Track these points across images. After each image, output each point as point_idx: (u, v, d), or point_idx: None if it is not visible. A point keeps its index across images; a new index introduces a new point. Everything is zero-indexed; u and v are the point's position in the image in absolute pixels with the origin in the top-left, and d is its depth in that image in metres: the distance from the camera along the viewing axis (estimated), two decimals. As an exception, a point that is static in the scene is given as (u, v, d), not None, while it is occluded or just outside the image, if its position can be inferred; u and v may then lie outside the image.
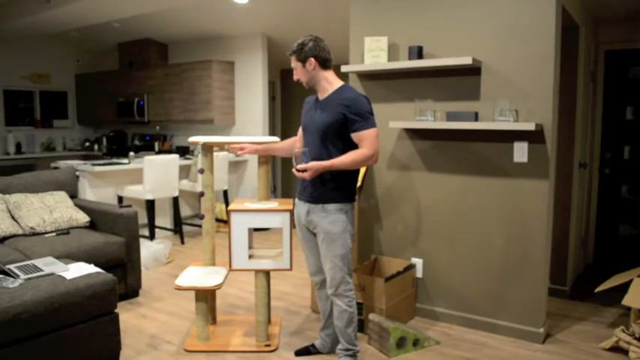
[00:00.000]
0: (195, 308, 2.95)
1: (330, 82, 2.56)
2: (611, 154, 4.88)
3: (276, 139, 3.13)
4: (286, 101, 7.64)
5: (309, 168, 2.40)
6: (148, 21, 6.20)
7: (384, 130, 3.46)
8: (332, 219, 2.52)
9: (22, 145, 7.53)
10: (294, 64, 2.57)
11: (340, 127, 2.47)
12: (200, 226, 5.94)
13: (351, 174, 2.57)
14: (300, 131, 2.76)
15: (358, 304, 3.12)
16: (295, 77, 2.60)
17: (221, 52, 6.75)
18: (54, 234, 3.63)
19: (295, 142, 2.84)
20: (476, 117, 3.08)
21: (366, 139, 2.44)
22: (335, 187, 2.53)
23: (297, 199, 2.71)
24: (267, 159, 3.14)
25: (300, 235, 2.73)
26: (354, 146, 2.49)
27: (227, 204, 6.05)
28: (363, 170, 3.51)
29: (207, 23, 6.20)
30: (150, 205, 5.12)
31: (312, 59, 2.51)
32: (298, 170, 2.43)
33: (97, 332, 2.58)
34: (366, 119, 2.45)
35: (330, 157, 2.47)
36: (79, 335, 2.51)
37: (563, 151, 3.80)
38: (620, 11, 4.14)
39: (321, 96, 2.59)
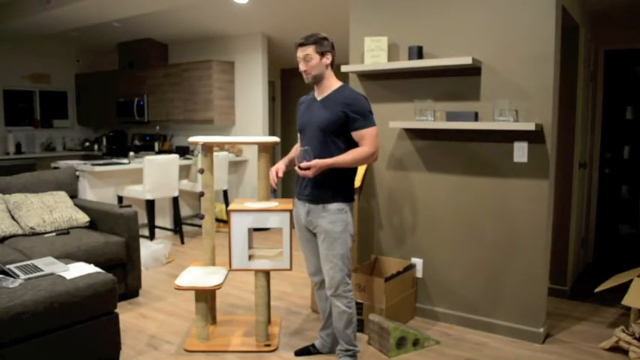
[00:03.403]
0: (195, 308, 2.95)
1: (330, 82, 2.58)
2: (611, 154, 4.88)
3: (276, 139, 3.13)
4: (286, 101, 7.64)
5: (312, 166, 2.41)
6: (148, 21, 6.20)
7: (384, 130, 3.46)
8: (332, 219, 2.52)
9: (22, 145, 7.53)
10: (311, 53, 2.49)
11: (341, 126, 2.48)
12: (200, 226, 5.94)
13: (350, 174, 2.58)
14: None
15: (358, 304, 3.12)
16: (304, 67, 2.51)
17: (221, 52, 6.75)
18: (54, 234, 3.63)
19: None
20: (476, 117, 3.08)
21: (367, 137, 2.47)
22: (335, 187, 2.53)
23: (296, 199, 2.71)
24: (268, 158, 3.14)
25: (300, 235, 2.73)
26: (354, 144, 2.51)
27: (227, 204, 6.05)
28: (362, 170, 3.50)
29: (207, 23, 6.21)
30: (150, 205, 5.12)
31: (330, 55, 2.53)
32: (301, 168, 2.43)
33: (97, 332, 2.58)
34: (366, 118, 2.48)
35: (331, 155, 2.48)
36: (79, 335, 2.50)
37: (563, 151, 3.80)
38: (620, 11, 4.14)
39: (320, 95, 2.59)
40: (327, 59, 2.53)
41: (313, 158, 2.44)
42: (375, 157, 2.52)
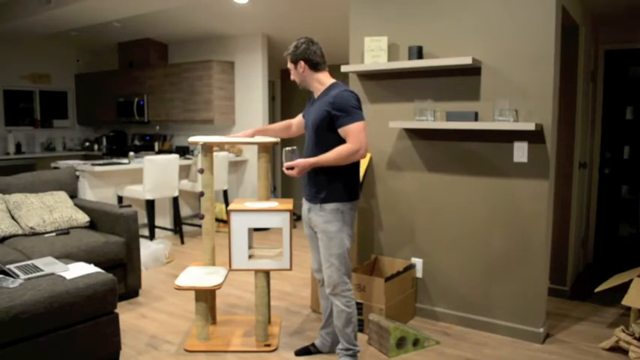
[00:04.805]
0: (195, 308, 2.95)
1: (321, 83, 2.60)
2: (611, 154, 4.88)
3: (276, 139, 3.13)
4: (286, 101, 7.64)
5: (295, 165, 2.46)
6: (148, 21, 6.20)
7: (384, 130, 3.46)
8: (328, 218, 2.54)
9: (22, 145, 7.53)
10: (289, 65, 2.64)
11: (328, 125, 2.50)
12: (200, 226, 5.94)
13: (346, 173, 2.56)
14: (299, 115, 2.91)
15: (358, 304, 3.12)
16: (291, 77, 2.69)
17: (221, 52, 6.75)
18: (54, 234, 3.63)
19: (291, 126, 3.00)
20: (476, 117, 3.08)
21: (350, 133, 2.45)
22: (330, 186, 2.54)
23: (303, 198, 2.75)
24: (268, 158, 3.14)
25: (305, 232, 2.78)
26: None
27: (227, 204, 6.05)
28: (362, 170, 3.50)
29: (207, 23, 6.21)
30: (150, 205, 5.12)
31: (302, 62, 2.57)
32: (287, 168, 2.50)
33: (96, 332, 2.58)
34: (349, 114, 2.45)
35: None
36: (79, 335, 2.51)
37: (563, 151, 3.80)
38: (620, 11, 4.14)
39: (315, 95, 2.64)
40: (300, 67, 2.58)
41: (301, 158, 2.51)
42: (361, 154, 2.48)
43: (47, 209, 3.74)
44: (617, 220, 4.93)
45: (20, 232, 3.59)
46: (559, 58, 3.07)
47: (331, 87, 2.56)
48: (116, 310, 2.69)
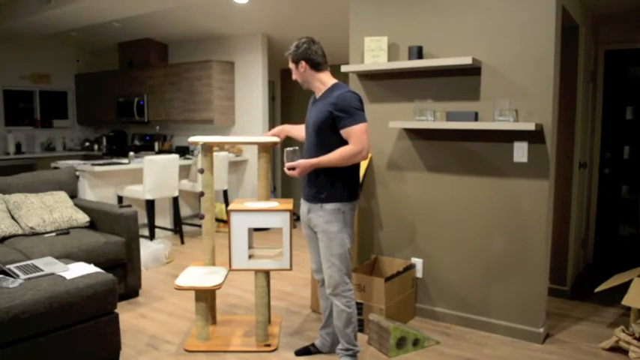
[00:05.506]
0: (195, 308, 2.95)
1: (323, 83, 2.59)
2: (611, 154, 4.88)
3: (276, 139, 3.13)
4: (286, 101, 7.64)
5: (297, 165, 2.46)
6: (148, 21, 6.20)
7: (384, 130, 3.46)
8: (328, 218, 2.53)
9: (22, 145, 7.53)
10: (290, 65, 2.63)
11: (330, 126, 2.49)
12: (200, 226, 5.94)
13: (347, 174, 2.56)
14: None
15: (358, 304, 3.12)
16: (293, 77, 2.68)
17: (221, 52, 6.75)
18: (54, 234, 3.63)
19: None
20: (476, 117, 3.08)
21: (352, 135, 2.45)
22: (331, 187, 2.54)
23: (302, 198, 2.74)
24: (268, 158, 3.14)
25: (304, 232, 2.77)
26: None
27: (227, 204, 6.05)
28: (362, 170, 3.50)
29: (207, 23, 6.21)
30: (150, 205, 5.12)
31: (303, 62, 2.56)
32: (288, 168, 2.50)
33: (96, 332, 2.58)
34: (352, 115, 2.45)
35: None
36: (79, 335, 2.51)
37: (563, 151, 3.80)
38: (620, 11, 4.14)
39: (317, 95, 2.63)
40: (302, 67, 2.57)
41: (302, 158, 2.50)
42: (363, 156, 2.48)
43: (47, 209, 3.74)
44: (617, 220, 4.93)
45: (20, 232, 3.59)
46: (559, 58, 3.07)
47: (333, 88, 2.56)
48: (116, 310, 2.69)
